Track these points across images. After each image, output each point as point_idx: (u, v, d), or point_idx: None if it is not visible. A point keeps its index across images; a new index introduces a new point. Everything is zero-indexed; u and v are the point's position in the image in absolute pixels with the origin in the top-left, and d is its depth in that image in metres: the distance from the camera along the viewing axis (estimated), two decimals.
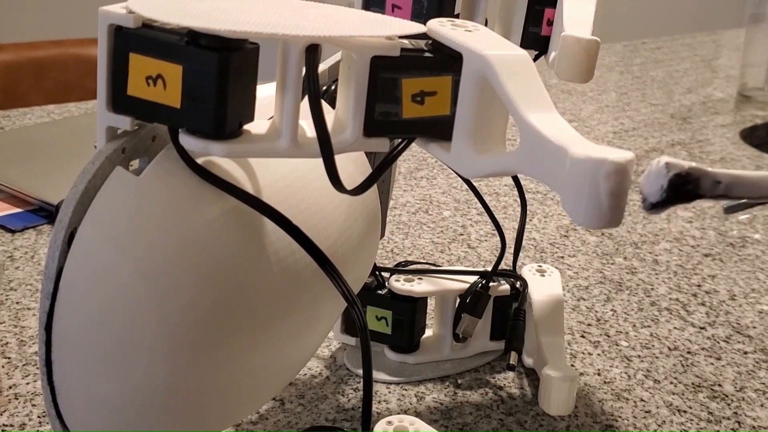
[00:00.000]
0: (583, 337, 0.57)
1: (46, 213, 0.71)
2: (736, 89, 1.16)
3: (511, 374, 0.52)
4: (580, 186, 0.26)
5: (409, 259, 0.67)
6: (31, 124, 0.94)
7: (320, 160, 0.30)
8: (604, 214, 0.26)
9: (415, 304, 0.50)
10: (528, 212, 0.77)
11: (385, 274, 0.51)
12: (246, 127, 0.30)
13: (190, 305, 0.30)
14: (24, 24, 2.03)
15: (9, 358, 0.51)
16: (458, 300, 0.51)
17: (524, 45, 0.44)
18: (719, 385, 0.52)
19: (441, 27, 0.32)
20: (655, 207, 0.27)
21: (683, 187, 0.27)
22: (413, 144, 0.34)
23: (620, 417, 0.48)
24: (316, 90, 0.29)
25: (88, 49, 1.34)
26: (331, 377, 0.51)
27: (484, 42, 0.31)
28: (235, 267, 0.31)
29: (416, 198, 0.79)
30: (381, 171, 0.33)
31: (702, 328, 0.58)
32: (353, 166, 0.39)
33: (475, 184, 0.87)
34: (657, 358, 0.55)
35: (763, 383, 0.52)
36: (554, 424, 0.47)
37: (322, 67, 0.40)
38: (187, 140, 0.30)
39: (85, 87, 1.32)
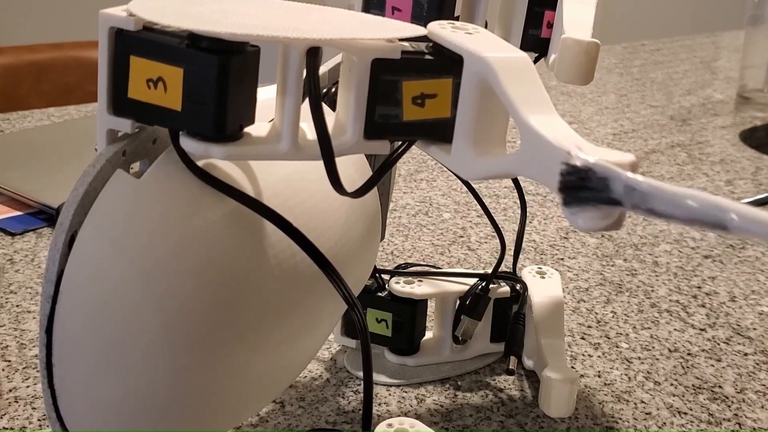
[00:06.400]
0: (583, 338, 0.57)
1: (46, 216, 0.71)
2: (736, 91, 1.16)
3: (511, 377, 0.52)
4: None
5: (409, 261, 0.67)
6: (31, 127, 0.94)
7: (321, 163, 0.30)
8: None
9: (415, 307, 0.50)
10: (528, 214, 0.77)
11: (385, 277, 0.51)
12: (246, 129, 0.30)
13: (190, 308, 0.30)
14: (23, 27, 2.03)
15: (9, 361, 0.51)
16: (458, 302, 0.51)
17: (524, 47, 0.44)
18: (720, 386, 0.52)
19: (441, 29, 0.32)
20: (565, 204, 0.22)
21: (584, 185, 0.22)
22: (413, 146, 0.34)
23: (621, 419, 0.48)
24: (317, 92, 0.29)
25: (87, 52, 1.34)
26: (332, 379, 0.51)
27: (484, 44, 0.31)
28: (235, 269, 0.31)
29: (416, 200, 0.79)
30: (381, 173, 0.33)
31: (702, 329, 0.58)
32: (354, 168, 0.39)
33: (474, 186, 0.87)
34: (657, 359, 0.54)
35: (764, 385, 0.52)
36: (555, 426, 0.47)
37: (323, 69, 0.40)
38: (187, 143, 0.30)
39: (85, 90, 1.32)
